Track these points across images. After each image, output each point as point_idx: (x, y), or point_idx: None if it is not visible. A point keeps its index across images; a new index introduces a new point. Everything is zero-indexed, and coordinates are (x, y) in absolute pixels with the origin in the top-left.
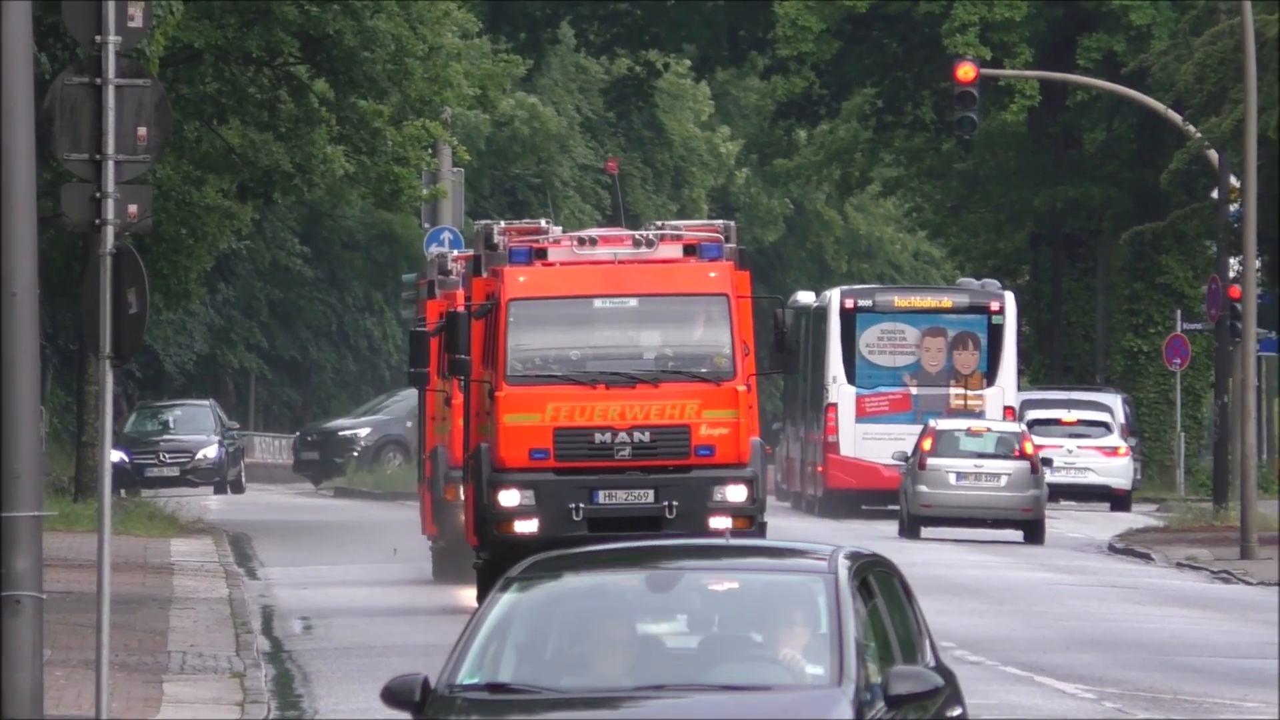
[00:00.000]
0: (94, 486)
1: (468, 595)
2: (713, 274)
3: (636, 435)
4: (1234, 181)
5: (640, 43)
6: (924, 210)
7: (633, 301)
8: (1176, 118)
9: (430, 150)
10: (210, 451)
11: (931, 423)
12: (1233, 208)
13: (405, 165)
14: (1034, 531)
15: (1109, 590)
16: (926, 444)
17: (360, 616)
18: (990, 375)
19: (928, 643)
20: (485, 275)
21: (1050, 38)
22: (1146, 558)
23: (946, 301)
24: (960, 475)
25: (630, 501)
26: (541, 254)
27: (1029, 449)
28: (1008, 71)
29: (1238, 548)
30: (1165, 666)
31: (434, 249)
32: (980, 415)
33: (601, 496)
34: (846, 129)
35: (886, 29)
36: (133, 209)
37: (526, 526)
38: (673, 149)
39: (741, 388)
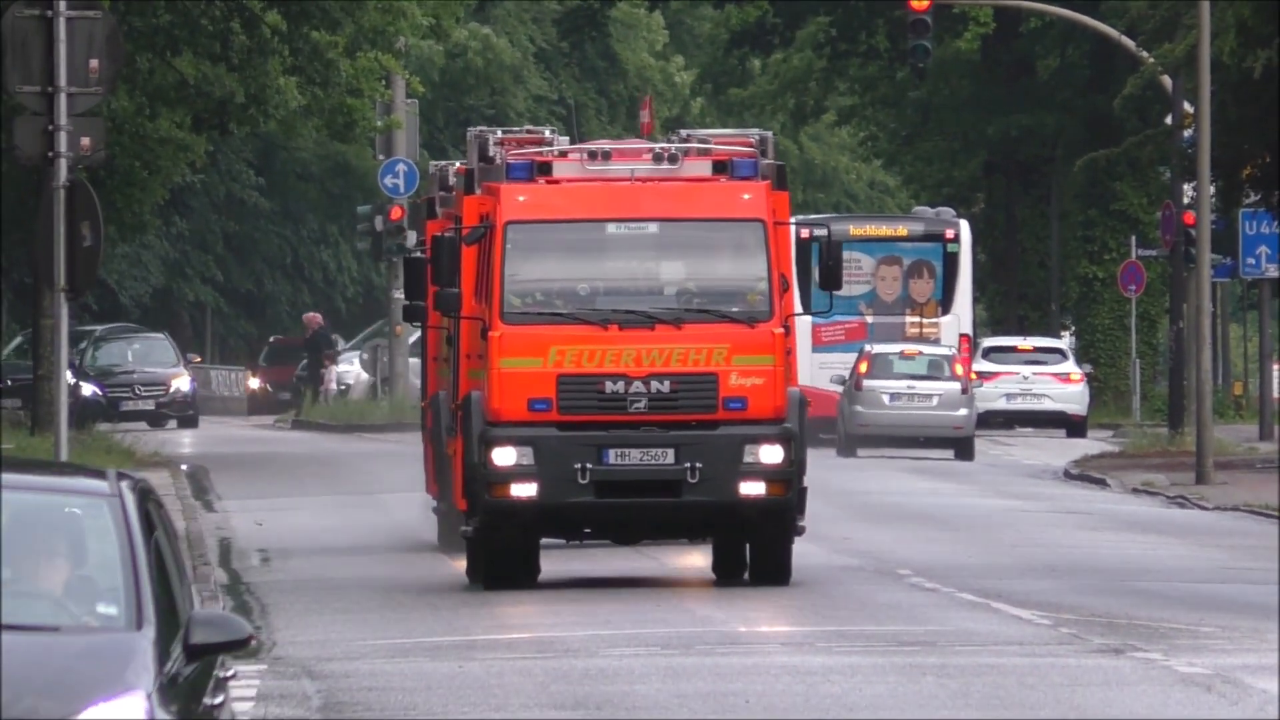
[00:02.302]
0: (51, 420)
1: (426, 529)
2: (746, 195)
3: (654, 385)
4: (1187, 107)
5: None
6: (879, 139)
7: (652, 227)
8: (1130, 44)
9: (384, 82)
10: (184, 384)
11: (867, 347)
12: (1186, 134)
13: (359, 97)
14: (964, 449)
15: (1065, 516)
16: (863, 367)
17: (317, 549)
18: (945, 303)
19: (193, 587)
20: (479, 193)
21: None
22: (1102, 483)
23: (902, 230)
24: (894, 396)
25: (645, 463)
26: (545, 169)
27: (959, 370)
28: None
29: (1193, 473)
30: (1121, 592)
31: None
32: (936, 343)
33: (612, 456)
34: (801, 58)
35: None
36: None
37: (524, 490)
38: (627, 79)
39: (779, 330)
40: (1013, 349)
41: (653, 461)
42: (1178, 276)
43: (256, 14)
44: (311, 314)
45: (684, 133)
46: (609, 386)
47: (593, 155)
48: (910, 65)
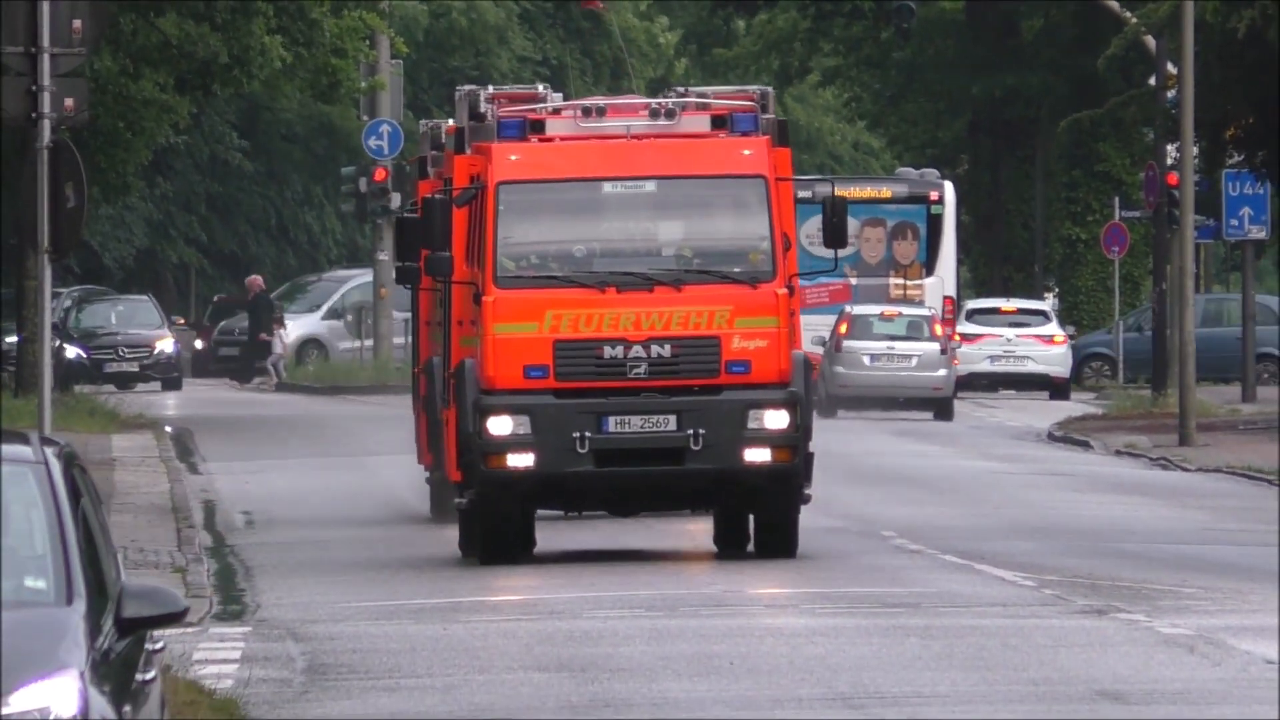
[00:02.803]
0: (34, 382)
1: (410, 492)
2: (747, 151)
3: (654, 349)
4: (1171, 68)
5: None
6: (863, 100)
7: (649, 185)
8: (1114, 4)
9: (368, 41)
10: (168, 346)
11: (847, 309)
12: (1170, 94)
13: (343, 57)
14: (943, 409)
15: (1048, 478)
16: (843, 328)
17: (302, 511)
18: (929, 265)
19: (119, 556)
20: (470, 153)
21: None
22: (1085, 445)
23: (886, 192)
24: (874, 356)
25: (647, 429)
26: (538, 127)
27: (938, 331)
28: None
29: (1176, 434)
30: (1104, 553)
31: (377, 134)
32: (919, 304)
33: (612, 424)
34: (785, 18)
35: None
36: (69, 102)
37: (520, 460)
38: (611, 40)
39: (782, 290)
40: (996, 311)
41: (654, 429)
42: (1161, 238)
43: None
44: (254, 277)
45: (680, 89)
46: (607, 351)
47: (587, 112)
48: (895, 25)
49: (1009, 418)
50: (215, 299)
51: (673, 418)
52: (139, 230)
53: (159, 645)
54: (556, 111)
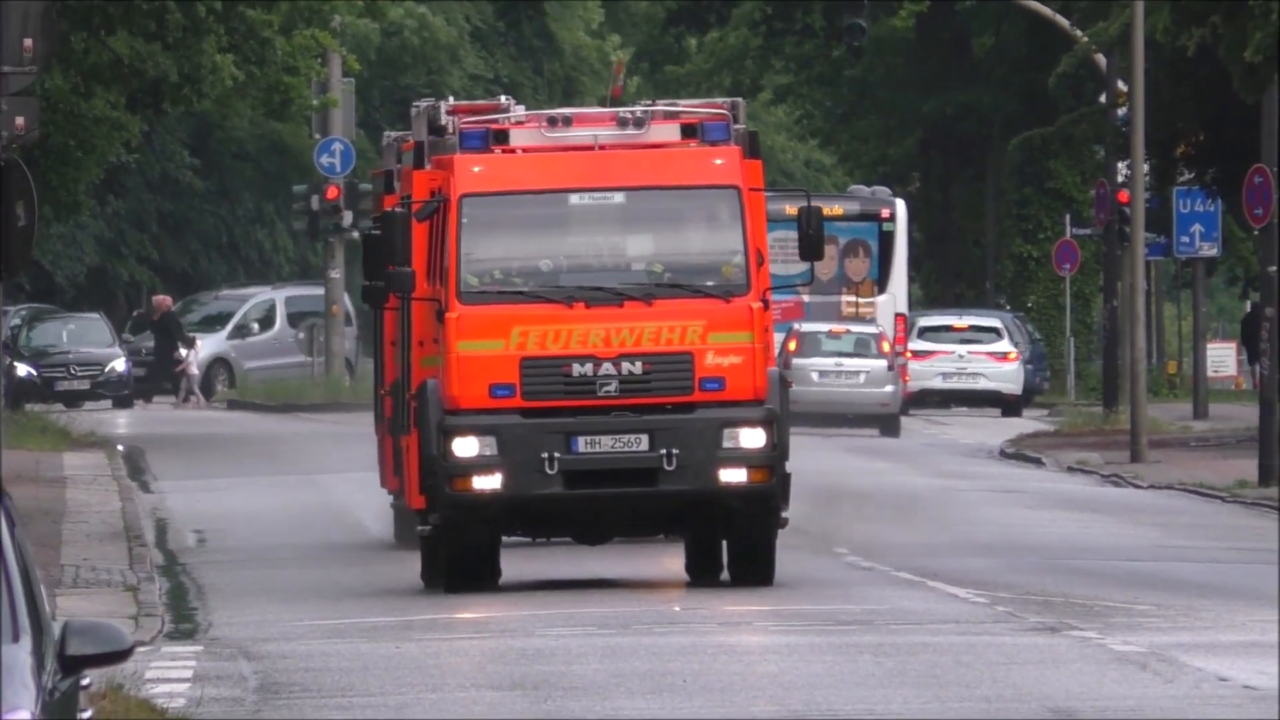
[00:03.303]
0: None
1: (363, 510)
2: (719, 160)
3: (625, 366)
4: (1122, 86)
5: None
6: (814, 117)
7: (618, 196)
8: (1064, 22)
9: (320, 60)
10: (119, 365)
11: (796, 326)
12: (1121, 112)
13: (295, 75)
14: (890, 426)
15: (1001, 495)
16: (792, 345)
17: (254, 529)
18: (881, 283)
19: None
20: (430, 167)
21: None
22: (1037, 462)
23: (837, 209)
24: (822, 373)
25: (618, 449)
26: (502, 138)
27: (886, 348)
28: None
29: (1128, 451)
30: (1057, 570)
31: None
32: (869, 321)
33: (582, 444)
34: (737, 36)
35: None
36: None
37: (487, 483)
38: (563, 58)
39: (757, 304)
40: (948, 328)
41: (626, 449)
42: (1112, 255)
43: None
44: (161, 296)
45: (648, 101)
46: (576, 369)
47: (552, 121)
48: (846, 43)
49: (961, 435)
50: (134, 314)
51: (645, 437)
52: (90, 248)
53: (86, 681)
54: (520, 122)
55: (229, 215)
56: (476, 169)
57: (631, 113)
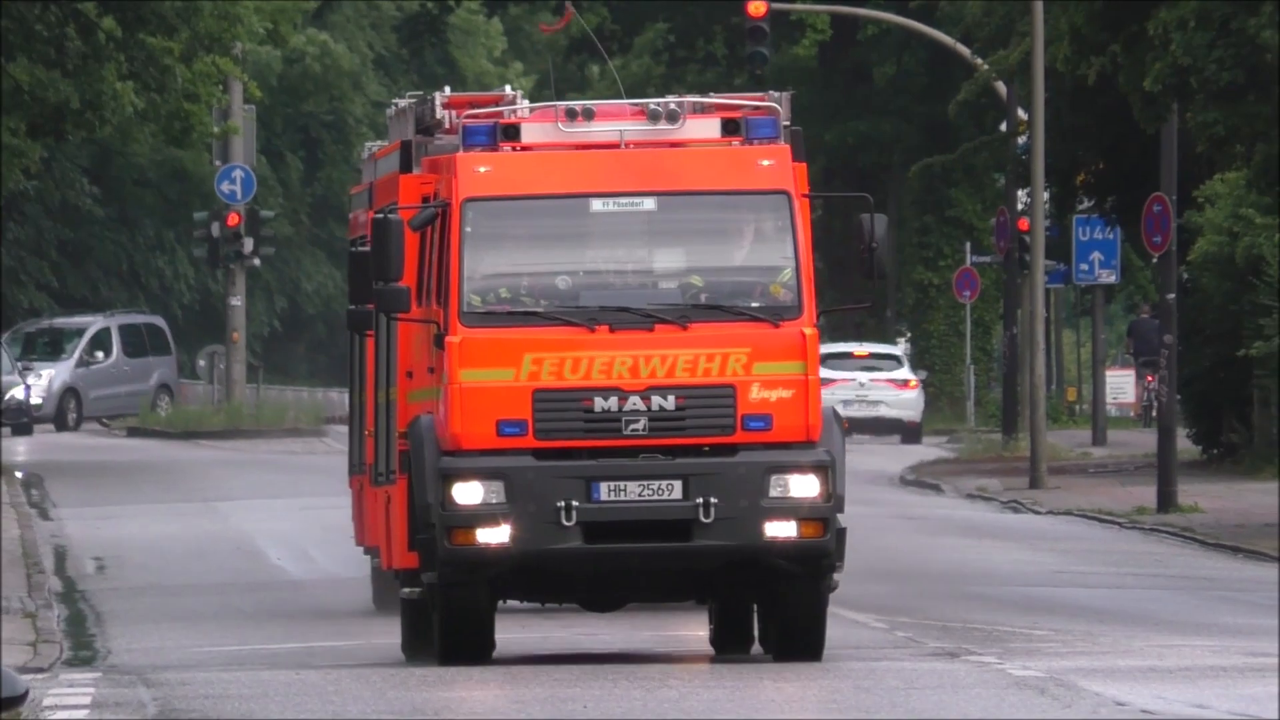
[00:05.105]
0: None
1: (263, 537)
2: (766, 161)
3: (656, 400)
4: (1022, 114)
5: None
6: None
7: (648, 202)
8: (965, 51)
9: (221, 87)
10: (19, 392)
11: None
12: (1021, 140)
13: (196, 102)
14: None
15: (901, 522)
16: None
17: (153, 556)
18: None
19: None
20: (419, 170)
21: None
22: (937, 489)
23: None
24: None
25: (646, 498)
26: (512, 133)
27: None
28: (799, 6)
29: (1027, 478)
30: (956, 596)
31: (230, 179)
32: None
33: (604, 491)
34: (639, 64)
35: None
36: None
37: (493, 535)
38: (466, 85)
39: (810, 330)
40: (849, 355)
41: (655, 497)
42: (1012, 282)
43: (92, 20)
44: None
45: (681, 94)
46: (599, 403)
47: (571, 114)
48: (748, 72)
49: (861, 462)
50: None
51: (678, 484)
52: None
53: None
54: (532, 115)
55: (129, 242)
56: (482, 169)
57: (664, 105)
